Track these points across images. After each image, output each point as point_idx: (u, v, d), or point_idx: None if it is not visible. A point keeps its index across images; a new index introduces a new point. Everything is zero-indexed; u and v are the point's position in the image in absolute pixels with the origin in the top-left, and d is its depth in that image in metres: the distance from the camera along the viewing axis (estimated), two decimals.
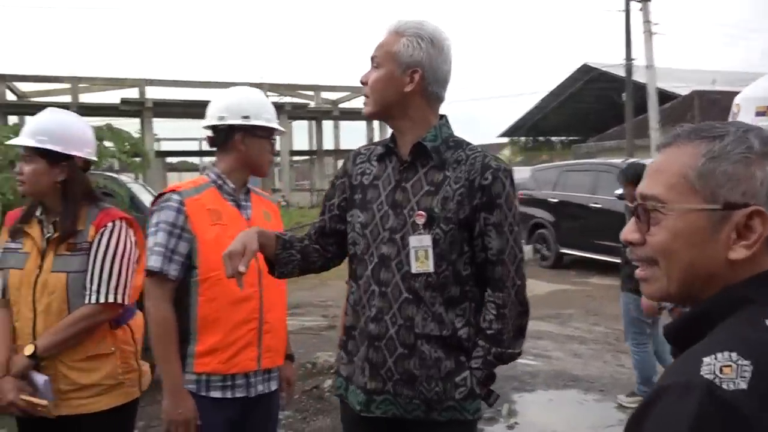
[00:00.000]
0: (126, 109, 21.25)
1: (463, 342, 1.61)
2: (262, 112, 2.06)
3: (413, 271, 1.58)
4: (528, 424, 4.02)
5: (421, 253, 1.58)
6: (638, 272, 0.93)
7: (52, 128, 2.07)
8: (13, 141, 2.15)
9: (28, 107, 22.50)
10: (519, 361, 2.50)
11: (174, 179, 24.10)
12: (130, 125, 23.20)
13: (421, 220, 1.58)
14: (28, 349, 1.98)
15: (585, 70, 27.25)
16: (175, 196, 1.97)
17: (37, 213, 2.11)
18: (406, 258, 1.59)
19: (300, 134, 29.21)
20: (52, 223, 2.07)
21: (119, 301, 2.04)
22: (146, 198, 5.30)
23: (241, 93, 2.10)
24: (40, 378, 2.00)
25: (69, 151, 2.05)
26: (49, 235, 2.06)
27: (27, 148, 2.06)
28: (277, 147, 12.21)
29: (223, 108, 2.05)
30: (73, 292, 2.02)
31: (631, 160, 9.14)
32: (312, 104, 25.06)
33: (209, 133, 2.09)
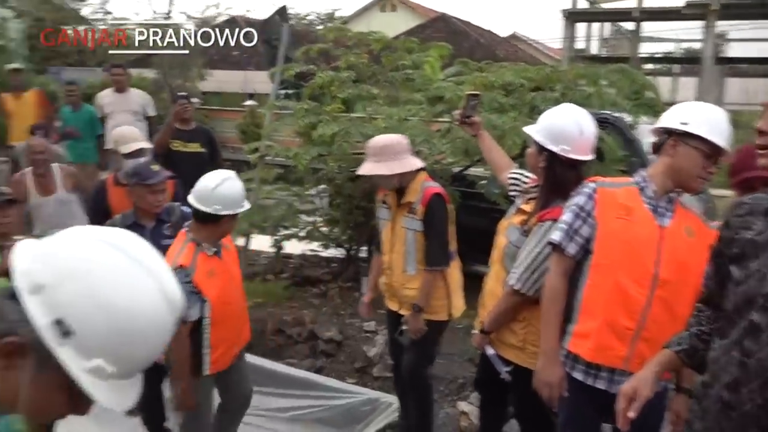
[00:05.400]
0: (689, 12, 19.62)
1: None
2: (706, 124, 1.93)
3: None
4: None
5: None
6: None
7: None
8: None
9: (597, 14, 22.78)
10: None
11: (734, 85, 21.94)
12: (691, 29, 26.49)
13: None
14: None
15: None
16: (591, 185, 2.10)
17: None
18: None
19: None
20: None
21: None
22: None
23: (704, 108, 2.02)
24: None
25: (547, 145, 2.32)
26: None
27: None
28: None
29: (670, 114, 2.03)
30: None
31: None
32: None
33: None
